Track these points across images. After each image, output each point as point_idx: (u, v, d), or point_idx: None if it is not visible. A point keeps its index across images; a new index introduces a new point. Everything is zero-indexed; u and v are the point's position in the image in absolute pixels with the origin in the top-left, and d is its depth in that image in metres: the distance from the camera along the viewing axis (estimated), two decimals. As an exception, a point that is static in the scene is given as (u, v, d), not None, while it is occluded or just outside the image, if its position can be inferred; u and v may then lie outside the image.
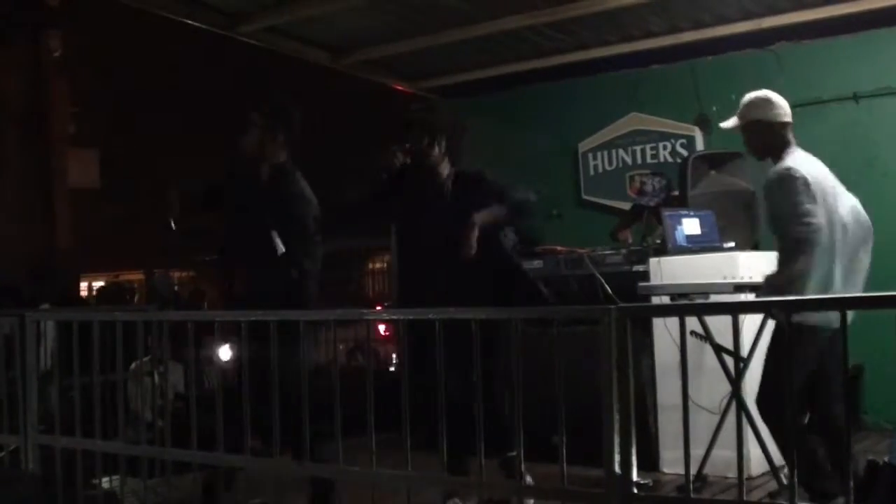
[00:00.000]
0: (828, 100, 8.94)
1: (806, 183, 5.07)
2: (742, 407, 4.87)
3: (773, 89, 8.94)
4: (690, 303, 3.37)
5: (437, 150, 5.94)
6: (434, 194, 5.96)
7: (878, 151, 8.72)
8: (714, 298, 5.73)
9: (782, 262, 4.92)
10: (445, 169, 6.01)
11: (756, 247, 7.34)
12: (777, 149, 5.37)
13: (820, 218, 4.98)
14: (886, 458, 4.93)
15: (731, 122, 5.51)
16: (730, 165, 7.76)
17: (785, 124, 5.43)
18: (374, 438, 4.03)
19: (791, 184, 5.08)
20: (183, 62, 14.91)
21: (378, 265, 19.59)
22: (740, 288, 6.30)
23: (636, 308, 3.40)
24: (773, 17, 8.98)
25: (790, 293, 4.55)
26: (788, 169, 5.16)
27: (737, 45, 9.31)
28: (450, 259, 5.47)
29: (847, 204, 5.39)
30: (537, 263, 7.54)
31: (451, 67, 10.73)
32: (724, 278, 5.98)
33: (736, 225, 7.46)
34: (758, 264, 6.84)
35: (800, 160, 5.27)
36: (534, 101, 10.41)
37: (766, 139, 5.43)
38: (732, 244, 6.91)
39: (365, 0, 8.61)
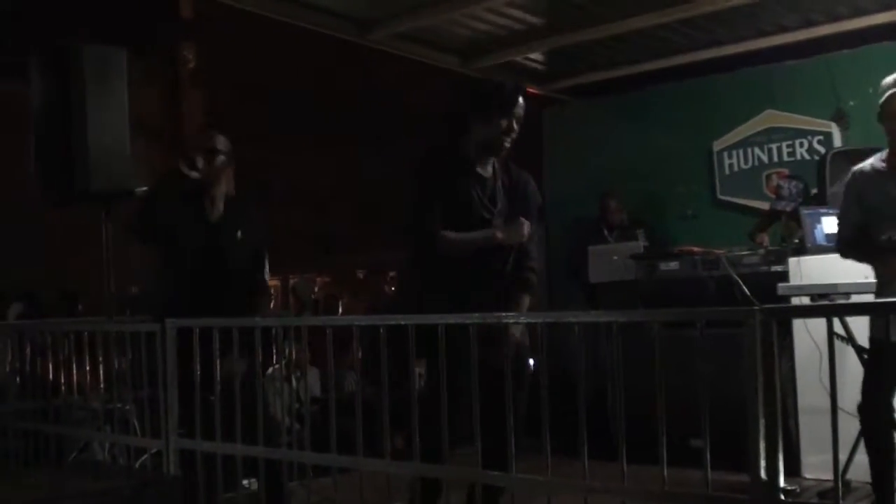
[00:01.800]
0: (972, 92, 8.67)
1: None
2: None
3: (914, 83, 8.77)
4: (837, 303, 3.27)
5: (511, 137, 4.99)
6: (493, 192, 5.07)
7: None
8: (855, 299, 5.58)
9: None
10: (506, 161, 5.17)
11: (899, 245, 7.13)
12: None
13: None
14: None
15: None
16: (871, 162, 7.54)
17: None
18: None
19: None
20: (315, 69, 15.10)
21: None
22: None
23: (781, 309, 3.31)
24: (914, 6, 8.74)
25: None
26: None
27: (874, 37, 9.06)
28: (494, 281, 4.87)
29: None
30: (674, 265, 7.46)
31: (583, 68, 10.67)
32: (866, 278, 5.79)
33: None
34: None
35: None
36: (667, 100, 10.30)
37: None
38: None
39: (493, 3, 8.62)
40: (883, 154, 5.15)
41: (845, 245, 5.25)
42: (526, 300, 4.94)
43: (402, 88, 13.75)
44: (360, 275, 15.49)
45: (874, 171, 5.13)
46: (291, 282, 19.10)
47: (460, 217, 4.87)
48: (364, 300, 13.95)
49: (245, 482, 5.49)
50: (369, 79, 14.16)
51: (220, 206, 5.67)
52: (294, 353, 5.58)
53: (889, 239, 4.98)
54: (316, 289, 18.39)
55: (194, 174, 5.50)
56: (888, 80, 5.10)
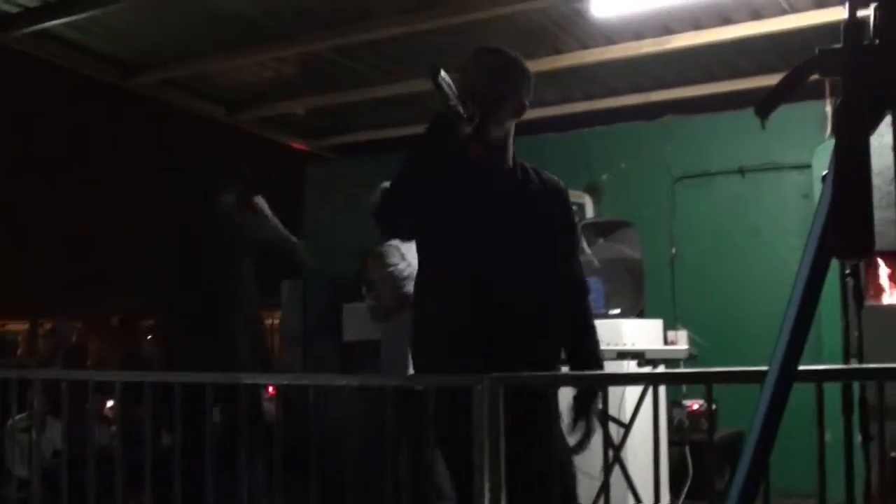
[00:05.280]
0: (714, 172, 9.19)
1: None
2: (623, 472, 4.97)
3: (662, 159, 9.29)
4: (562, 374, 3.39)
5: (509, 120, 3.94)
6: (498, 184, 3.94)
7: (761, 223, 8.96)
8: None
9: None
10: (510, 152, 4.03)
11: (641, 314, 7.45)
12: None
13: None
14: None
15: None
16: (618, 233, 7.87)
17: None
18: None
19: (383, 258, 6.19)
20: (80, 109, 14.75)
21: (268, 321, 19.41)
22: (623, 355, 6.41)
23: (509, 377, 3.39)
24: (661, 91, 9.21)
25: None
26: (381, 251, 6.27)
27: (627, 116, 9.52)
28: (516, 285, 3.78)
29: None
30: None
31: (347, 127, 10.78)
32: (608, 345, 6.05)
33: (623, 292, 7.56)
34: (642, 331, 6.98)
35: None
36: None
37: None
38: (618, 311, 7.01)
39: (264, 57, 8.62)
40: None
41: None
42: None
43: (167, 135, 13.55)
44: (115, 321, 15.05)
45: None
46: (43, 327, 18.41)
47: None
48: (117, 349, 13.57)
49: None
50: (135, 123, 13.91)
51: None
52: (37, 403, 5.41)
53: None
54: (74, 336, 17.80)
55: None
56: None
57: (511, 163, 3.97)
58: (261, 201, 5.80)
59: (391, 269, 6.83)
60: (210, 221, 5.89)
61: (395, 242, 6.81)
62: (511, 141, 3.97)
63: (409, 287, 5.98)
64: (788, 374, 1.46)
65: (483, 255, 3.74)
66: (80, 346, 12.77)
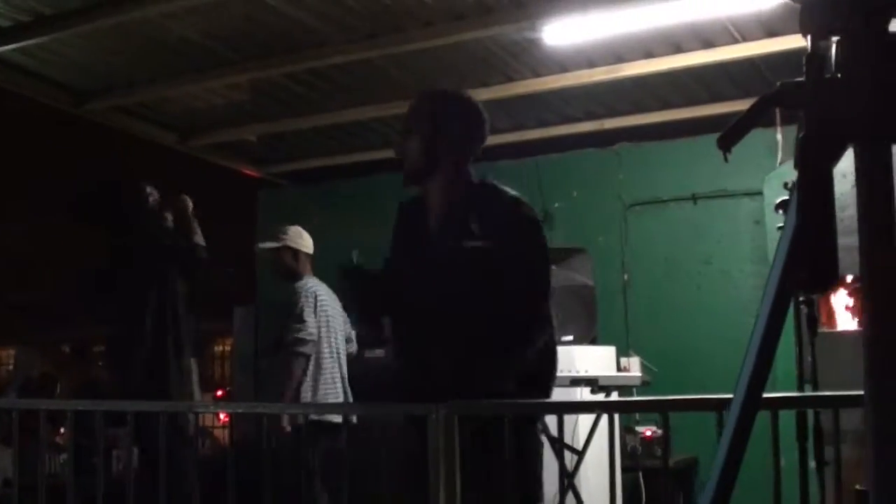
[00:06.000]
0: (666, 199, 9.23)
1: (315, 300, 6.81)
2: (577, 499, 4.96)
3: (614, 187, 9.33)
4: (519, 402, 3.36)
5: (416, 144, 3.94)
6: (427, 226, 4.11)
7: (715, 250, 9.01)
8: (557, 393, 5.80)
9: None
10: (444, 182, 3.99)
11: (594, 341, 7.46)
12: (297, 272, 7.03)
13: (312, 325, 6.63)
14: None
15: (269, 244, 7.13)
16: (571, 261, 7.87)
17: (305, 255, 7.12)
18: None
19: (299, 298, 6.76)
20: (27, 135, 14.62)
21: (219, 348, 19.33)
22: (576, 382, 6.42)
23: (465, 405, 3.36)
24: (614, 118, 9.27)
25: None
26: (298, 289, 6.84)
27: (580, 143, 9.55)
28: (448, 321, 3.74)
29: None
30: (379, 352, 7.52)
31: (300, 154, 10.74)
32: (561, 372, 6.05)
33: (575, 319, 7.57)
34: (595, 358, 6.99)
35: (312, 283, 6.96)
36: (382, 190, 10.43)
37: (290, 263, 7.06)
38: (570, 338, 7.01)
39: (216, 83, 8.58)
40: None
41: None
42: None
43: (120, 161, 13.45)
44: (66, 348, 14.94)
45: None
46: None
47: None
48: (70, 376, 13.44)
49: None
50: (87, 149, 13.80)
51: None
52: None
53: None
54: (36, 368, 17.58)
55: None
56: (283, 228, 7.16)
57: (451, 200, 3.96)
58: (187, 201, 5.89)
59: (295, 316, 6.88)
60: (138, 234, 5.89)
61: (313, 288, 7.03)
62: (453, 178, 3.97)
63: (301, 348, 6.28)
64: (753, 404, 1.46)
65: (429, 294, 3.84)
66: (43, 378, 12.59)
